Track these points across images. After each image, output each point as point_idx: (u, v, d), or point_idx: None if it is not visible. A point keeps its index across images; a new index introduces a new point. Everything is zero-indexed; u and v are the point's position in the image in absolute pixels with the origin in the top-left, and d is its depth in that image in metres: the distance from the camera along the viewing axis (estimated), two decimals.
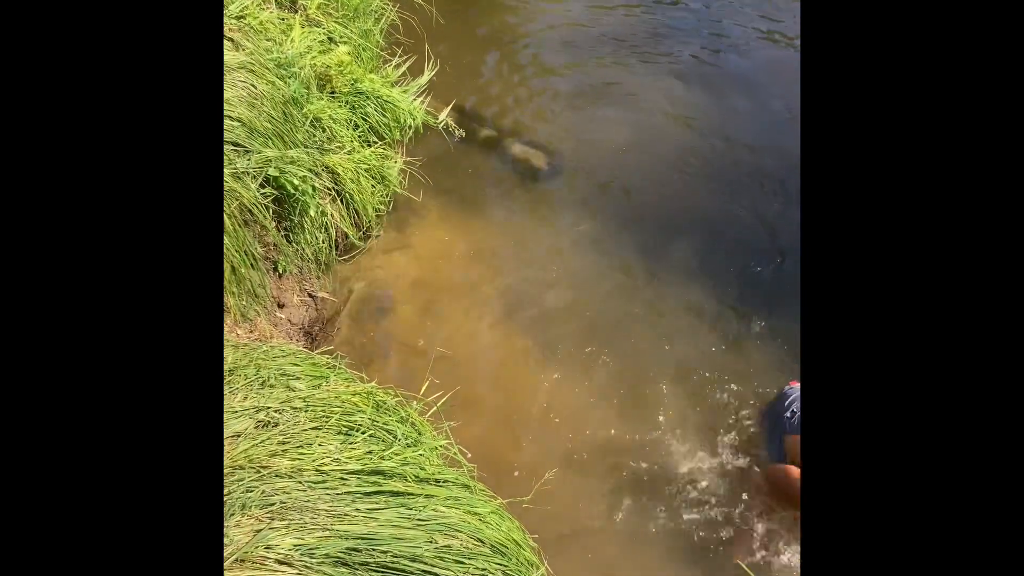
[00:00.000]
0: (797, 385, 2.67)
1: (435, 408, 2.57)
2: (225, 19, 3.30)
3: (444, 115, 3.97)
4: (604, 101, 4.40)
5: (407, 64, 4.08)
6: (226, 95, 2.92)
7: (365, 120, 3.67)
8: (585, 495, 2.73)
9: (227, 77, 3.00)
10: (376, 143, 3.67)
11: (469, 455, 2.44)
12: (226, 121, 2.87)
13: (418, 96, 3.94)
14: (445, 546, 1.91)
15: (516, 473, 2.69)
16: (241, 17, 3.40)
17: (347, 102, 3.64)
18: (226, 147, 2.84)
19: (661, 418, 2.95)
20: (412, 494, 2.02)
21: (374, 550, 1.81)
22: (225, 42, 3.21)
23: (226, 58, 3.09)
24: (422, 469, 2.13)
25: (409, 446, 2.22)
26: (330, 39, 3.81)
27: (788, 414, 2.55)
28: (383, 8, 4.24)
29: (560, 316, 3.30)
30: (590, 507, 2.71)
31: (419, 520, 1.94)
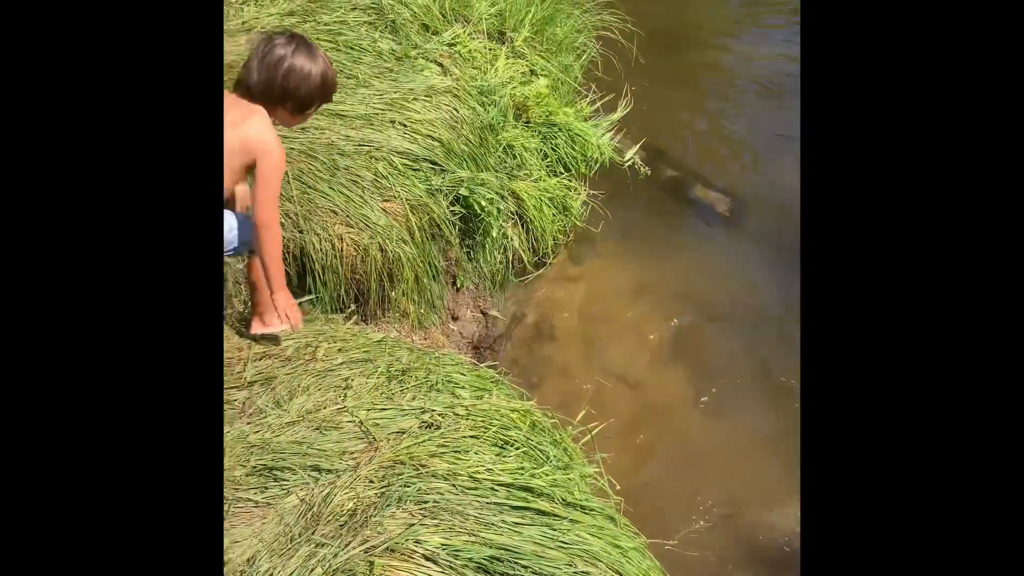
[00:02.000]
0: None
1: (588, 436, 2.60)
2: (438, 46, 3.56)
3: (632, 152, 4.02)
4: (795, 151, 4.28)
5: (602, 100, 4.17)
6: (430, 116, 3.16)
7: (555, 151, 3.79)
8: (731, 547, 2.65)
9: (432, 100, 3.25)
10: (562, 174, 3.78)
11: (618, 488, 2.44)
12: (427, 141, 3.10)
13: (608, 132, 4.02)
14: (584, 572, 1.93)
15: (663, 514, 2.66)
16: (452, 44, 3.63)
17: (539, 132, 3.77)
18: (425, 165, 3.06)
19: None
20: (558, 515, 2.05)
21: (515, 562, 1.86)
22: (436, 67, 3.46)
23: (434, 82, 3.34)
24: (570, 493, 2.16)
25: (559, 469, 2.26)
26: (532, 71, 3.98)
27: None
28: (586, 45, 4.37)
29: (725, 361, 3.24)
30: (735, 560, 2.62)
31: (562, 543, 1.97)
